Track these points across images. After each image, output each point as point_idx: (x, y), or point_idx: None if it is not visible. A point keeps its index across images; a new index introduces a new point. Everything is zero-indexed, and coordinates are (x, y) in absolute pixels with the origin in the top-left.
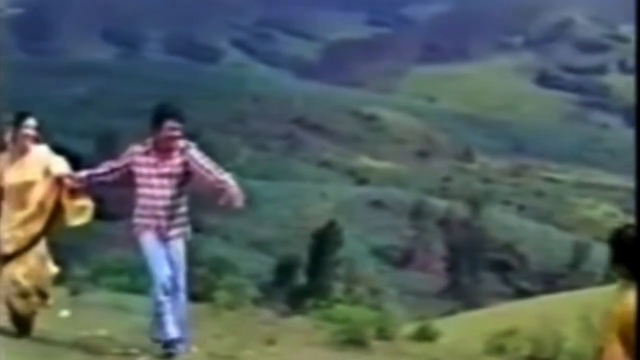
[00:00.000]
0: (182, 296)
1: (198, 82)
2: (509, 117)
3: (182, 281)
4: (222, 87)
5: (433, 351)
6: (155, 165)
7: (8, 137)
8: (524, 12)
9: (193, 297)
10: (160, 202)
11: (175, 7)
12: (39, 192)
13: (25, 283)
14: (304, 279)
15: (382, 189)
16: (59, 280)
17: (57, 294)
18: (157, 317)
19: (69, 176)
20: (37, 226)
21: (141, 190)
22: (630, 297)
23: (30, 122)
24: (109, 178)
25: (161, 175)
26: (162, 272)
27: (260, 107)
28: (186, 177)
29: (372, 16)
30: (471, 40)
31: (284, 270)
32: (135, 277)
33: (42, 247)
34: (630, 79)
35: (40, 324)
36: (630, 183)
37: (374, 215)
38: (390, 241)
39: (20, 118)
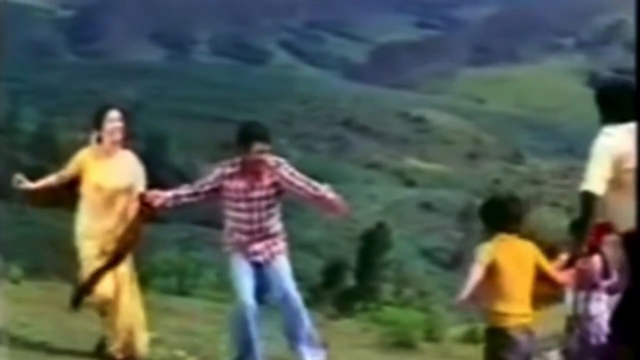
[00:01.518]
0: (297, 303)
1: (246, 83)
2: (559, 119)
3: (292, 296)
4: (270, 88)
5: (481, 354)
6: (244, 191)
7: (92, 139)
8: (575, 14)
9: None
10: (249, 226)
11: (224, 8)
12: (123, 205)
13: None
14: (352, 281)
15: (430, 190)
16: None
17: None
18: (236, 335)
19: (156, 196)
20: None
21: (229, 214)
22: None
23: (114, 114)
24: (194, 199)
25: (250, 200)
26: (243, 295)
27: (308, 108)
28: (278, 195)
29: (421, 18)
30: (521, 42)
31: (333, 272)
32: (183, 280)
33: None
34: None
35: (86, 325)
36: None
37: (422, 217)
38: (439, 243)
39: (100, 115)
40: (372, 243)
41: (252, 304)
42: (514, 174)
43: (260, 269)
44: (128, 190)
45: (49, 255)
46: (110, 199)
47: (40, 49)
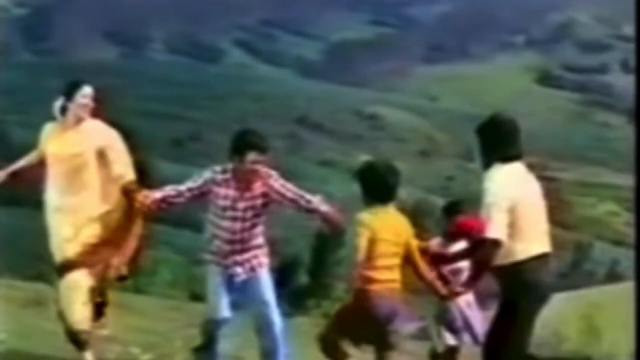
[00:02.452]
0: (276, 329)
1: (201, 82)
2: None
3: (272, 313)
4: (224, 87)
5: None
6: (233, 200)
7: (56, 107)
8: (527, 12)
9: (196, 297)
10: (231, 236)
11: (179, 7)
12: (95, 177)
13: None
14: (306, 279)
15: None
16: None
17: None
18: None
19: (145, 196)
20: (99, 229)
21: (213, 220)
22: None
23: (87, 90)
24: (181, 200)
25: (237, 209)
26: (216, 310)
27: (262, 107)
28: (265, 207)
29: (376, 17)
30: (474, 40)
31: (287, 270)
32: (139, 278)
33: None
34: (633, 79)
35: (43, 324)
36: (633, 182)
37: None
38: None
39: (73, 87)
40: (326, 241)
41: (224, 319)
42: (467, 172)
43: (237, 282)
44: (96, 157)
45: (5, 254)
46: (75, 170)
47: None
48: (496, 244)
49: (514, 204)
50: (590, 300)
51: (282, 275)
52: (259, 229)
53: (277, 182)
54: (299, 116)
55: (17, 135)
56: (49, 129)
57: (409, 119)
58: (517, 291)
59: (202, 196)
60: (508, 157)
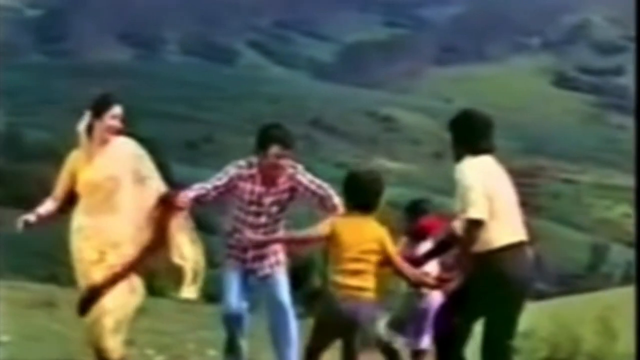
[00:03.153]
0: (291, 330)
1: (215, 83)
2: (526, 119)
3: (287, 315)
4: (238, 88)
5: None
6: (259, 196)
7: (82, 126)
8: (542, 14)
9: (211, 298)
10: (255, 231)
11: (192, 8)
12: (129, 199)
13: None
14: (319, 280)
15: (397, 189)
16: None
17: (71, 295)
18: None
19: (183, 196)
20: (131, 248)
21: (236, 214)
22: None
23: (117, 110)
24: (209, 198)
25: (262, 204)
26: (230, 306)
27: (276, 108)
28: (290, 201)
29: (389, 18)
30: (488, 41)
31: (300, 272)
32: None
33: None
34: None
35: (50, 324)
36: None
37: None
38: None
39: (103, 105)
40: None
41: (239, 314)
42: None
43: (255, 279)
44: (130, 178)
45: (16, 255)
46: (108, 193)
47: (7, 49)
48: (477, 223)
49: (488, 192)
50: (607, 301)
51: (296, 277)
52: (281, 224)
53: (305, 177)
54: (312, 118)
55: (28, 136)
56: (74, 157)
57: (423, 120)
58: (485, 281)
59: (227, 192)
60: (479, 150)
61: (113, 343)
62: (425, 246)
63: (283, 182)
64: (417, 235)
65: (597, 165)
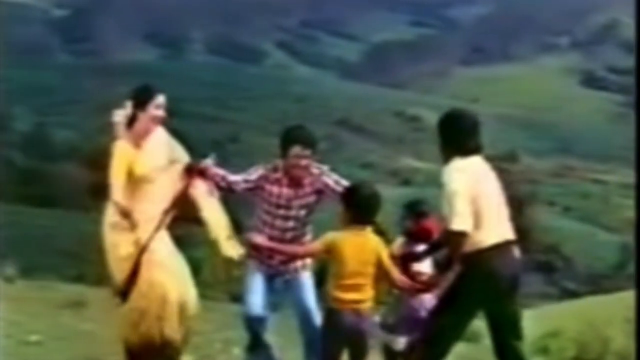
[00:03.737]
0: (317, 333)
1: (241, 83)
2: (554, 118)
3: (313, 319)
4: (264, 88)
5: (476, 352)
6: (287, 199)
7: (119, 116)
8: (570, 13)
9: (235, 299)
10: (281, 234)
11: (218, 8)
12: (165, 187)
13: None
14: None
15: (425, 189)
16: (101, 281)
17: (100, 295)
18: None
19: (205, 168)
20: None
21: (262, 216)
22: (368, 235)
23: (161, 99)
24: (237, 188)
25: (291, 208)
26: (251, 307)
27: (302, 108)
28: (317, 204)
29: (416, 17)
30: (516, 41)
31: (324, 273)
32: None
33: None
34: None
35: (80, 324)
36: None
37: None
38: None
39: (145, 95)
40: None
41: (259, 316)
42: (508, 174)
43: (279, 282)
44: (167, 169)
45: (44, 254)
46: (148, 184)
47: (34, 48)
48: (461, 234)
49: (475, 194)
50: (635, 302)
51: (319, 278)
52: (308, 228)
53: (330, 178)
54: (339, 118)
55: (55, 135)
56: (125, 149)
57: None
58: (473, 279)
59: (254, 190)
60: (467, 151)
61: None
62: (421, 248)
63: (309, 184)
64: (416, 237)
65: (626, 165)
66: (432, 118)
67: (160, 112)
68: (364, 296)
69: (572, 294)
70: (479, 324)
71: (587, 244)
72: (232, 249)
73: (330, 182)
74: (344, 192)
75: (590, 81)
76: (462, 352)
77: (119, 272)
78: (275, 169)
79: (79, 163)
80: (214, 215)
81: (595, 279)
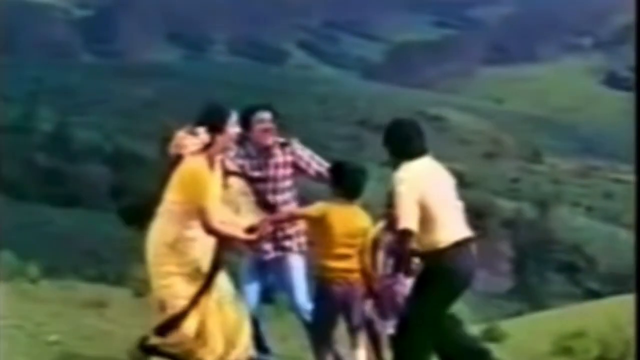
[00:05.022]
0: (302, 313)
1: (263, 83)
2: (578, 119)
3: (299, 300)
4: (287, 88)
5: (499, 352)
6: (260, 168)
7: (194, 145)
8: (593, 13)
9: None
10: (270, 213)
11: (240, 8)
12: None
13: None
14: None
15: None
16: (122, 281)
17: (120, 295)
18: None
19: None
20: None
21: (257, 200)
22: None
23: (234, 117)
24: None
25: (270, 179)
26: (247, 294)
27: (325, 108)
28: (295, 177)
29: (438, 18)
30: (539, 41)
31: None
32: None
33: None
34: None
35: (103, 325)
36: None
37: None
38: None
39: (222, 116)
40: None
41: (255, 308)
42: (532, 174)
43: (268, 263)
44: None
45: (66, 254)
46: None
47: (56, 49)
48: (406, 233)
49: (424, 195)
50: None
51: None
52: (291, 205)
53: (304, 152)
54: (361, 118)
55: (77, 135)
56: (205, 169)
57: (473, 120)
58: (436, 276)
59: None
60: (413, 154)
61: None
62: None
63: (281, 154)
64: (392, 226)
65: None
66: (455, 118)
67: (237, 130)
68: (353, 266)
69: (595, 294)
70: (504, 324)
71: (610, 244)
72: None
73: (304, 155)
74: (331, 170)
75: (613, 81)
76: None
77: (167, 292)
78: (241, 144)
79: (100, 164)
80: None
81: (618, 279)
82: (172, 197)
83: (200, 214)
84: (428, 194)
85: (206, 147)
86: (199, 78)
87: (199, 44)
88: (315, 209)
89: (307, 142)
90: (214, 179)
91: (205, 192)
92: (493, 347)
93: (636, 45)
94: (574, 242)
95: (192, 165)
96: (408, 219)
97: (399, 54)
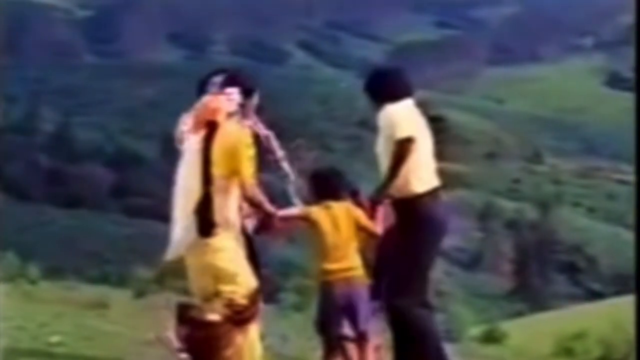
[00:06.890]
0: None
1: (264, 83)
2: (580, 119)
3: None
4: (288, 88)
5: (501, 353)
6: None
7: (232, 105)
8: (595, 14)
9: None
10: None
11: (242, 9)
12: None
13: None
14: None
15: (450, 190)
16: (124, 282)
17: (122, 296)
18: None
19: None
20: None
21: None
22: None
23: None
24: None
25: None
26: None
27: (326, 108)
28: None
29: (440, 18)
30: (541, 42)
31: None
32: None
33: None
34: None
35: (104, 325)
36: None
37: None
38: (458, 243)
39: (252, 81)
40: None
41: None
42: (534, 174)
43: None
44: None
45: (67, 255)
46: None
47: (58, 49)
48: (409, 140)
49: (416, 134)
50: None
51: None
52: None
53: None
54: (361, 118)
55: (80, 136)
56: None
57: (475, 121)
58: (415, 223)
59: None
60: (399, 95)
61: None
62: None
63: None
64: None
65: None
66: (457, 118)
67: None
68: (352, 263)
69: (597, 295)
70: (505, 324)
71: (611, 245)
72: None
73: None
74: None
75: (616, 82)
76: (487, 352)
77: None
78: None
79: (102, 164)
80: None
81: (620, 280)
82: (219, 172)
83: (239, 178)
84: (417, 135)
85: (239, 109)
86: (200, 78)
87: (201, 44)
88: (299, 209)
89: (308, 142)
90: (250, 143)
91: (244, 157)
92: (494, 348)
93: (636, 46)
94: (576, 243)
95: (233, 130)
96: (406, 129)
97: (401, 55)
